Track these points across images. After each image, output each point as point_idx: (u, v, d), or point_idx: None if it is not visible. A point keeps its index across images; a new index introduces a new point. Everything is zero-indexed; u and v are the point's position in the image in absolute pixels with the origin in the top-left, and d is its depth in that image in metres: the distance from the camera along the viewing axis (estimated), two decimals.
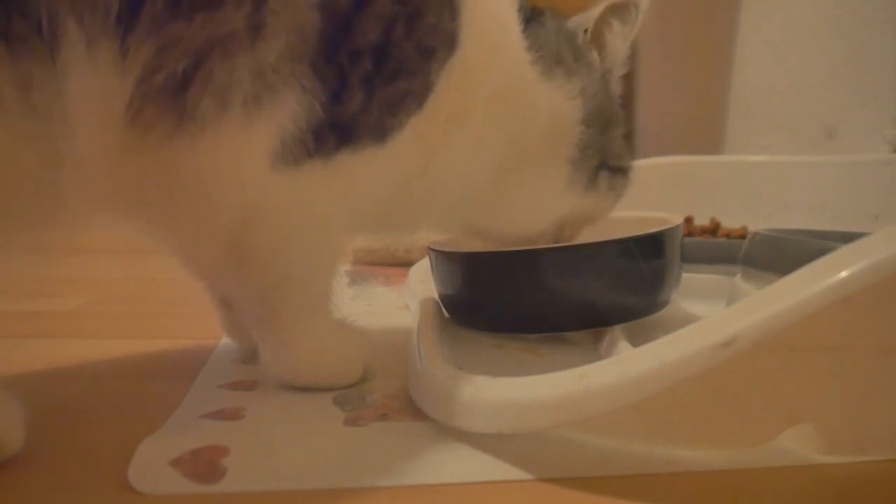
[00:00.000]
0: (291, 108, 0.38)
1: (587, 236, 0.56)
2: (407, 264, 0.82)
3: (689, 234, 0.89)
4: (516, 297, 0.52)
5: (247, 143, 0.38)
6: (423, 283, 0.67)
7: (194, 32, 0.35)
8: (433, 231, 0.61)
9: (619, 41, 0.53)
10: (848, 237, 0.35)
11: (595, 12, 0.53)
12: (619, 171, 0.54)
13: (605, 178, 0.53)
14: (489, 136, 0.48)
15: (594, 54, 0.53)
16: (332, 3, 0.39)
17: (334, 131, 0.40)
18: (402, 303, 0.72)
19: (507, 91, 0.47)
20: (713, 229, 0.93)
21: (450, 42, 0.44)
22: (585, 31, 0.53)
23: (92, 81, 0.33)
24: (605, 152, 0.53)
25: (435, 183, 0.47)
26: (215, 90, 0.36)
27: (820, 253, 0.31)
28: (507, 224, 0.54)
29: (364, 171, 0.42)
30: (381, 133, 0.42)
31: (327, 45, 0.39)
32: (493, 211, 0.53)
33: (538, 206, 0.53)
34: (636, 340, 0.48)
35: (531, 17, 0.49)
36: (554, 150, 0.51)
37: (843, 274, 0.30)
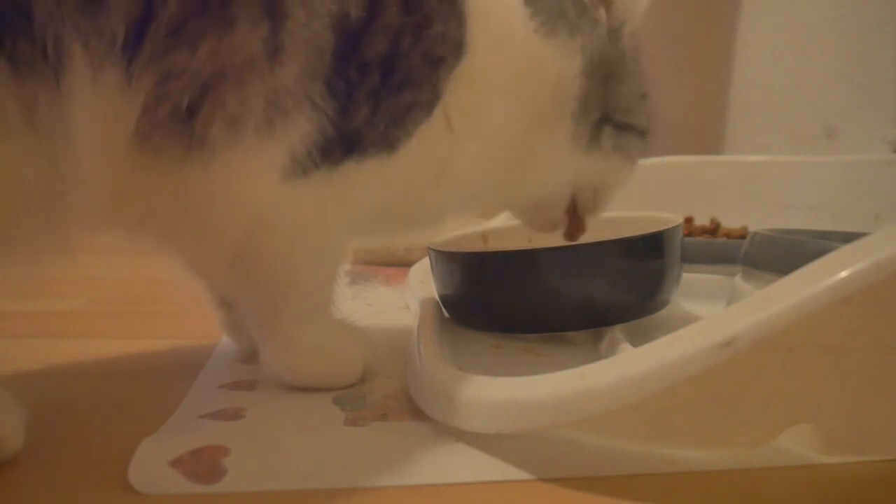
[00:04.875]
0: (303, 128, 0.38)
1: (588, 236, 0.56)
2: (407, 264, 0.82)
3: (689, 234, 0.89)
4: (516, 297, 0.52)
5: (258, 165, 0.38)
6: (423, 283, 0.67)
7: (199, 63, 0.34)
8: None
9: None
10: (848, 237, 0.35)
11: None
12: (627, 129, 0.52)
13: (610, 134, 0.51)
14: (504, 130, 0.47)
15: (601, 11, 0.51)
16: (343, 20, 0.38)
17: (340, 143, 0.40)
18: (402, 303, 0.72)
19: (516, 73, 0.46)
20: (713, 229, 0.93)
21: (458, 49, 0.44)
22: None
23: (96, 105, 0.33)
24: (608, 105, 0.51)
25: (450, 186, 0.47)
26: (226, 119, 0.36)
27: (820, 253, 0.31)
28: (520, 194, 0.54)
29: (371, 179, 0.42)
30: (387, 144, 0.42)
31: (339, 61, 0.39)
32: (505, 186, 0.52)
33: (548, 171, 0.52)
34: (636, 340, 0.48)
35: None
36: (557, 107, 0.49)
37: (843, 274, 0.30)
